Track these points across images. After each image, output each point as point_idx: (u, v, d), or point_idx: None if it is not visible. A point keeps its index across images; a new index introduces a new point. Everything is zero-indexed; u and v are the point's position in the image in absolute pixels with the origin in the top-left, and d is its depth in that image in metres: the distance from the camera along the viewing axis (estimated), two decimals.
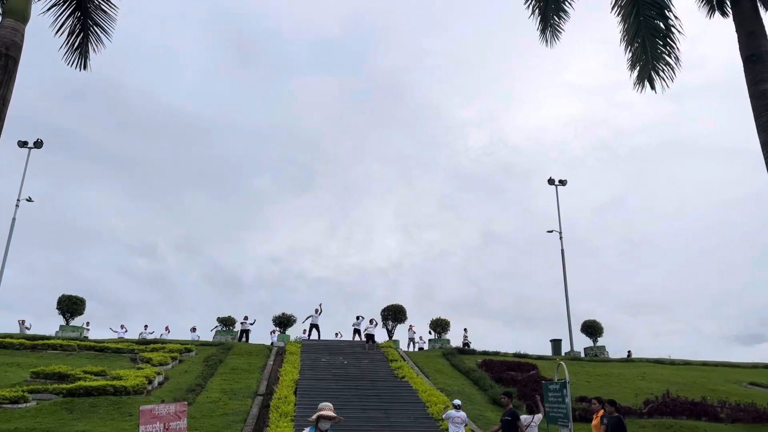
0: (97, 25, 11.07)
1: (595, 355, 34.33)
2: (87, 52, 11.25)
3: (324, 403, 6.54)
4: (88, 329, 32.77)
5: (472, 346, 32.39)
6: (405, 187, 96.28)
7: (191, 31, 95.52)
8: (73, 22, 11.05)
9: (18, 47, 8.58)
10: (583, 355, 34.72)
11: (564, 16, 12.07)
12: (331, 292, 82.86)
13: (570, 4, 12.06)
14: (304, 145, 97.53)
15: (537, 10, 12.07)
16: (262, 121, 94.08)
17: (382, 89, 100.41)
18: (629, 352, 35.82)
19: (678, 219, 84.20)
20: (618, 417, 11.87)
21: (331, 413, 6.35)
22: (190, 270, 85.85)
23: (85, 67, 11.39)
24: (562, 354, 34.25)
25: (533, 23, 12.34)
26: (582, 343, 36.65)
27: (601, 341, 36.00)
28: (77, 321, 32.74)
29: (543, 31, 12.21)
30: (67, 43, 11.12)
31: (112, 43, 11.49)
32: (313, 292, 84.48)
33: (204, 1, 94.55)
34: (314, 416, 6.40)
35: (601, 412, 11.89)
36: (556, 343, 35.87)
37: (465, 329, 34.96)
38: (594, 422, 12.02)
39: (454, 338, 34.73)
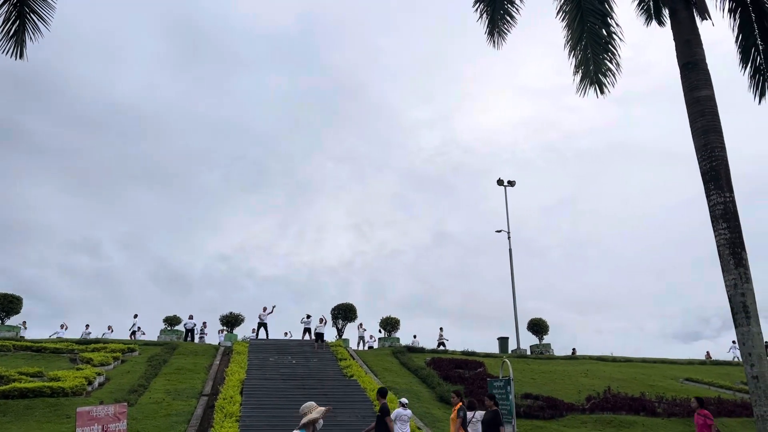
0: (35, 12, 10.66)
1: (541, 352, 35.11)
2: (23, 40, 10.82)
3: (307, 404, 6.00)
4: (25, 329, 31.48)
5: (421, 344, 32.68)
6: (358, 186, 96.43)
7: (139, 22, 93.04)
8: (8, 8, 10.60)
9: None
10: (529, 352, 35.43)
11: (511, 21, 12.33)
12: (281, 290, 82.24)
13: (517, 9, 12.34)
14: (255, 141, 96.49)
15: (485, 15, 12.30)
16: (211, 116, 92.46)
17: (336, 87, 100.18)
18: (573, 349, 36.81)
19: (622, 220, 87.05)
20: (494, 411, 12.39)
21: (313, 416, 5.77)
22: (135, 268, 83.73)
23: (21, 56, 10.95)
24: (509, 352, 34.85)
25: (482, 26, 12.58)
26: (528, 340, 37.44)
27: (546, 339, 36.86)
28: (13, 320, 31.40)
29: (491, 34, 12.44)
30: (2, 30, 10.66)
31: (56, 33, 11.14)
32: (262, 290, 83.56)
33: None
34: (304, 420, 5.81)
35: (459, 404, 12.24)
36: (503, 341, 36.49)
37: (441, 328, 35.53)
38: (452, 415, 12.45)
39: (404, 336, 35.01)
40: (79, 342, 27.59)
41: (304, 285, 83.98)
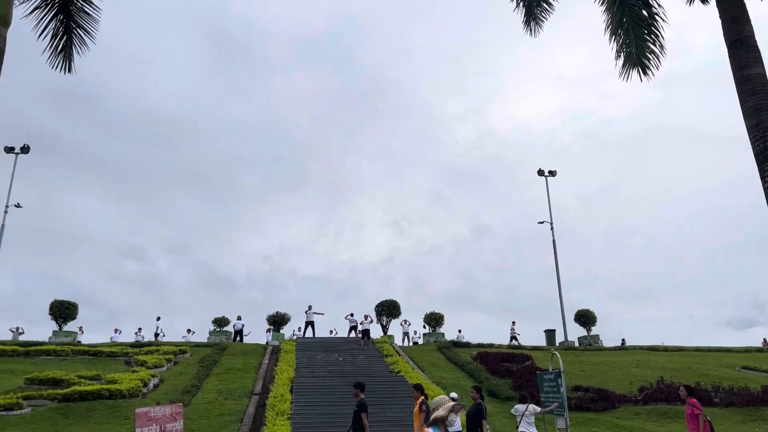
0: (81, 27, 10.94)
1: (589, 344, 34.55)
2: (71, 54, 11.13)
3: (438, 399, 5.57)
4: (81, 334, 32.61)
5: (466, 339, 32.54)
6: (394, 183, 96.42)
7: (174, 30, 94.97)
8: (56, 25, 10.91)
9: (1, 53, 8.48)
10: (577, 344, 34.94)
11: (548, 8, 12.14)
12: (322, 289, 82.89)
13: None
14: (291, 142, 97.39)
15: (521, 3, 12.15)
16: (248, 119, 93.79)
17: (369, 85, 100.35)
18: (623, 340, 36.13)
19: (666, 205, 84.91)
20: (478, 404, 12.22)
21: (439, 414, 5.29)
22: (181, 271, 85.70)
23: (69, 70, 11.27)
24: (557, 344, 34.45)
25: (518, 16, 12.44)
26: (576, 332, 36.89)
27: (594, 330, 36.26)
28: (70, 326, 32.57)
29: (527, 23, 12.28)
30: (51, 46, 10.98)
31: (96, 45, 11.41)
32: (304, 290, 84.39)
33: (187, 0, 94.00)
34: (438, 414, 5.31)
35: (421, 398, 12.05)
36: (550, 334, 36.10)
37: (513, 322, 35.57)
38: (415, 410, 12.24)
39: (449, 332, 34.92)
40: (132, 345, 28.41)
41: (345, 283, 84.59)
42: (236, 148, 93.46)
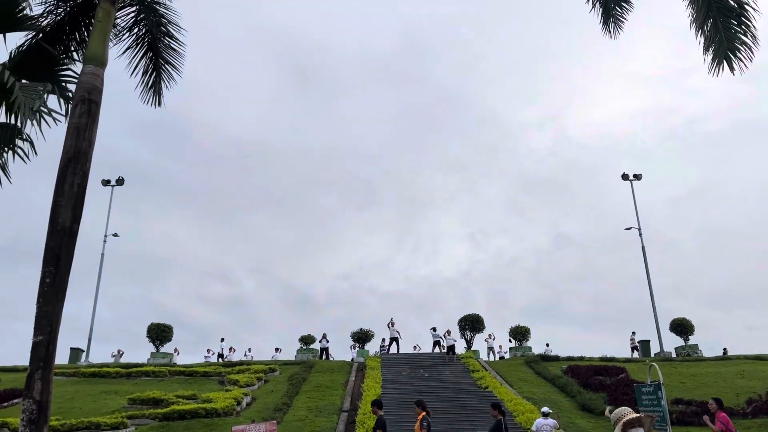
0: (168, 63, 11.60)
1: (688, 354, 32.73)
2: (160, 89, 11.81)
3: (616, 412, 5.18)
4: (177, 355, 34.10)
5: (554, 353, 31.59)
6: (469, 195, 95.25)
7: (248, 56, 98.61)
8: (146, 62, 11.63)
9: (99, 91, 9.07)
10: (674, 355, 33.21)
11: (627, 6, 11.73)
12: (402, 305, 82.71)
13: None
14: (365, 160, 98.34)
15: (597, 4, 11.79)
16: (323, 140, 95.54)
17: (440, 99, 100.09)
18: (725, 349, 33.94)
19: (762, 204, 79.40)
20: (499, 421, 11.67)
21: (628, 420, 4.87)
22: (265, 292, 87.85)
23: (159, 104, 11.97)
24: (652, 355, 32.90)
25: (592, 16, 12.06)
26: (672, 342, 35.07)
27: (692, 340, 34.34)
28: (166, 347, 34.15)
29: (605, 23, 11.90)
30: (142, 82, 11.72)
31: (181, 78, 12.04)
32: (384, 306, 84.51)
33: (258, 26, 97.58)
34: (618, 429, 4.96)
35: (422, 414, 11.46)
36: (644, 344, 34.54)
37: (633, 332, 34.80)
38: (416, 426, 11.66)
39: (536, 345, 34.06)
40: (224, 365, 29.39)
41: (425, 298, 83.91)
42: (313, 169, 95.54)
